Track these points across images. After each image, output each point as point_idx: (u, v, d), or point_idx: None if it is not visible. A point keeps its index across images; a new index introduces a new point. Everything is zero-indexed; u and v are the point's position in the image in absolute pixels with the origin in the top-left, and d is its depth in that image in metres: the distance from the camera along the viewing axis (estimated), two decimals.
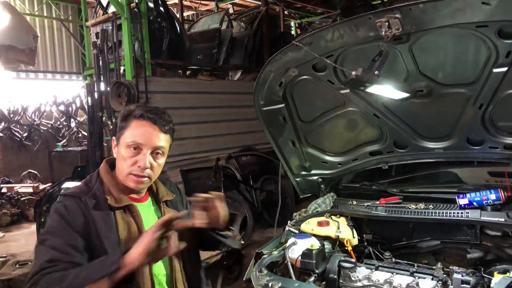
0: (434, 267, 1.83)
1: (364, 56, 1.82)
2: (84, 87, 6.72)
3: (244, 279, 1.95)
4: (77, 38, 11.68)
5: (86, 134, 8.28)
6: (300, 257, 1.86)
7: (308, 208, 2.46)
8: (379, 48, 1.72)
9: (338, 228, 2.14)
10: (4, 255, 4.31)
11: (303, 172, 2.68)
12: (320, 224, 2.18)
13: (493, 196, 1.97)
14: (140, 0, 5.26)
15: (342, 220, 2.24)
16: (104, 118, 5.55)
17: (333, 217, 2.26)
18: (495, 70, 1.80)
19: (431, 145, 2.29)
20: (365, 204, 2.31)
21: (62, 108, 10.23)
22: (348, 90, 2.14)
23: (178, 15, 8.36)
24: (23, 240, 6.07)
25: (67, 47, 11.78)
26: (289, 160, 2.62)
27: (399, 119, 2.23)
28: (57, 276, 1.29)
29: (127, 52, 5.25)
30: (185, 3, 10.14)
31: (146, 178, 1.53)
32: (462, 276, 1.61)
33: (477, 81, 1.90)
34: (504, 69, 1.78)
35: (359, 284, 1.76)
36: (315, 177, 2.67)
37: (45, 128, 10.05)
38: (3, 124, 9.28)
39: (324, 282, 1.83)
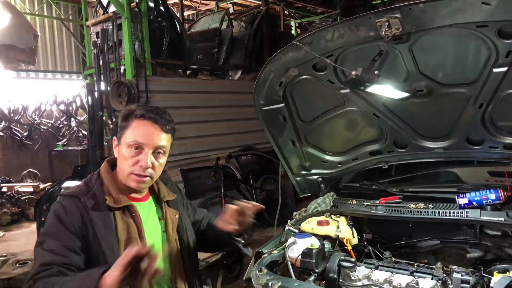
0: (433, 267, 1.83)
1: (364, 56, 1.82)
2: (85, 86, 6.73)
3: (244, 278, 1.95)
4: (77, 38, 11.68)
5: (86, 133, 8.27)
6: (300, 256, 1.86)
7: (308, 208, 2.46)
8: (379, 48, 1.72)
9: (338, 227, 2.14)
10: (5, 254, 4.32)
11: (303, 172, 2.68)
12: (320, 223, 2.18)
13: (492, 196, 1.97)
14: None
15: (342, 220, 2.24)
16: (104, 118, 5.55)
17: (333, 216, 2.26)
18: (495, 70, 1.80)
19: (431, 144, 2.29)
20: (365, 203, 2.31)
21: (62, 107, 10.23)
22: (348, 90, 2.14)
23: (178, 15, 8.36)
24: (23, 239, 6.07)
25: (68, 47, 11.80)
26: (289, 160, 2.62)
27: (399, 119, 2.23)
28: (47, 284, 1.29)
29: (127, 52, 5.25)
30: (185, 2, 10.15)
31: (148, 178, 1.54)
32: (461, 275, 1.62)
33: (477, 81, 1.90)
34: (504, 69, 1.78)
35: (358, 283, 1.76)
36: (315, 177, 2.67)
37: (46, 128, 10.06)
38: (3, 123, 9.28)
39: (324, 281, 1.83)
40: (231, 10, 9.18)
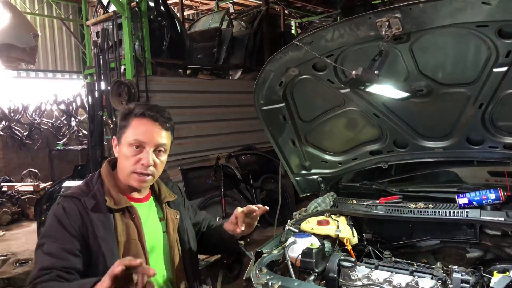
0: (433, 266, 1.83)
1: (364, 55, 1.82)
2: (85, 86, 6.73)
3: (244, 278, 1.95)
4: (77, 37, 11.68)
5: (86, 133, 8.27)
6: (300, 256, 1.86)
7: (308, 207, 2.46)
8: (379, 48, 1.72)
9: (338, 227, 2.14)
10: (5, 254, 4.32)
11: (303, 171, 2.68)
12: (320, 223, 2.18)
13: (492, 196, 1.97)
14: None
15: (342, 219, 2.24)
16: (104, 117, 5.56)
17: (333, 216, 2.26)
18: (495, 70, 1.80)
19: (431, 144, 2.29)
20: (365, 203, 2.31)
21: (62, 107, 10.24)
22: (348, 90, 2.14)
23: (178, 14, 8.36)
24: (23, 239, 6.07)
25: (68, 46, 11.79)
26: (289, 159, 2.62)
27: (399, 119, 2.23)
28: None
29: (127, 51, 5.25)
30: (185, 2, 10.15)
31: (150, 176, 1.54)
32: (461, 275, 1.61)
33: (477, 80, 1.90)
34: (504, 68, 1.78)
35: (358, 283, 1.76)
36: (315, 176, 2.67)
37: (46, 127, 10.06)
38: (3, 123, 9.28)
39: (324, 281, 1.83)
40: (231, 10, 9.17)
